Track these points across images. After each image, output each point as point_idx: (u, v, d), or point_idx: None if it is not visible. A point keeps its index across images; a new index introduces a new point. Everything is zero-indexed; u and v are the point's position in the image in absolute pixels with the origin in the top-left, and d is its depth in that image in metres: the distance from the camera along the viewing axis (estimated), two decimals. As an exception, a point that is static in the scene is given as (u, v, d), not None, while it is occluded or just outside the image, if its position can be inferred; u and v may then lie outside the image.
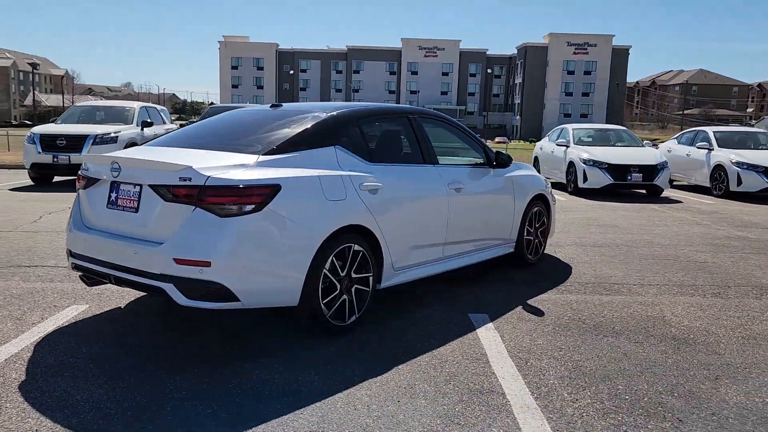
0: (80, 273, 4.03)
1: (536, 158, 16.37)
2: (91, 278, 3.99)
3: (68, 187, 12.17)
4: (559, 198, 12.40)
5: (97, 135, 12.49)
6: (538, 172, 15.57)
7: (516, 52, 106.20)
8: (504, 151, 5.67)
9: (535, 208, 6.10)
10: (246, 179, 3.52)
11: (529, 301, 4.91)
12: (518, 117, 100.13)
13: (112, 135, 12.71)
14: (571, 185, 13.45)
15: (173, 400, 3.07)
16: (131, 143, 12.78)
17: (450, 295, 5.02)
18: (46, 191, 11.60)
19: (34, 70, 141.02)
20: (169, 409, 2.97)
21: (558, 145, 14.46)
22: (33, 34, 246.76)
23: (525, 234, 5.97)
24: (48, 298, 4.65)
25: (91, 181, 3.97)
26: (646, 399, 3.21)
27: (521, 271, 5.91)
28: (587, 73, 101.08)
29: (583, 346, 3.95)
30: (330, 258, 3.85)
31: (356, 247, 4.04)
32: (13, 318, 4.21)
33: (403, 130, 4.89)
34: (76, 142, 12.33)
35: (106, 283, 3.91)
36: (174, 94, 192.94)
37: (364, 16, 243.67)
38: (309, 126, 4.16)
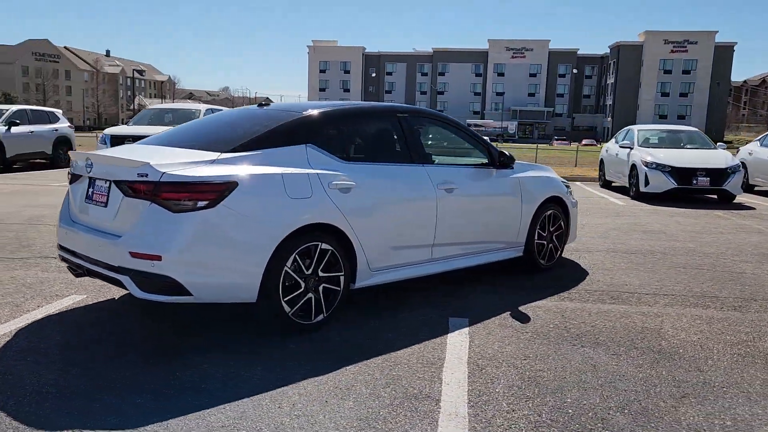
0: (67, 265, 4.25)
1: (602, 161, 15.73)
2: (76, 270, 4.19)
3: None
4: (617, 202, 11.88)
5: (160, 136, 13.17)
6: (603, 175, 15.21)
7: (609, 51, 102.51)
8: (507, 152, 5.49)
9: (549, 211, 5.86)
10: (200, 176, 3.59)
11: (521, 307, 4.73)
12: (609, 119, 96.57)
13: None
14: (633, 189, 12.82)
15: (113, 389, 3.17)
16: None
17: (438, 298, 4.92)
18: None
19: (140, 76, 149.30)
20: (104, 397, 3.07)
21: (622, 147, 13.82)
22: (140, 42, 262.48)
23: (536, 238, 5.75)
24: (54, 288, 4.93)
25: (75, 177, 4.18)
26: (590, 414, 3.02)
27: (530, 276, 5.70)
28: (686, 72, 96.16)
29: (552, 356, 3.76)
30: (293, 256, 3.86)
31: (324, 246, 4.03)
32: (12, 305, 4.49)
33: (391, 130, 4.83)
34: (141, 143, 13.03)
35: (86, 275, 4.09)
36: (267, 98, 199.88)
37: (451, 18, 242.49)
38: (279, 124, 4.19)
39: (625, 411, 3.05)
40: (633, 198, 12.71)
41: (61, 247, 4.20)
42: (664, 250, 7.19)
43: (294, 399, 3.11)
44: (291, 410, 2.98)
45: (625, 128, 15.26)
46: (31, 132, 16.37)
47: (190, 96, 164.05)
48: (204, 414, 2.92)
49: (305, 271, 3.96)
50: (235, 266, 3.68)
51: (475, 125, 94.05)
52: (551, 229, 5.93)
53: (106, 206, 3.80)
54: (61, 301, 4.61)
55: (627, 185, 13.27)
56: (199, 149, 3.93)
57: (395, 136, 4.82)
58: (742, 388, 3.37)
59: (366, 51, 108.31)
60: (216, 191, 3.59)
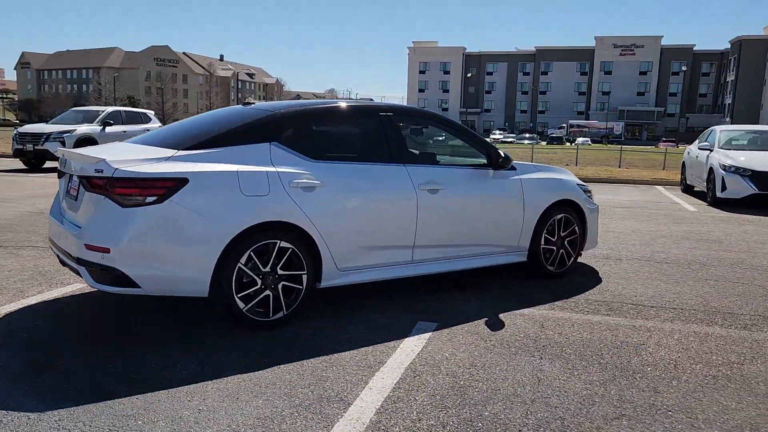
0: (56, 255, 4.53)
1: (683, 164, 14.73)
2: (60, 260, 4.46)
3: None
4: (688, 208, 11.13)
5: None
6: (685, 179, 14.20)
7: (729, 46, 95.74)
8: (504, 153, 5.26)
9: (559, 215, 5.57)
10: (151, 172, 3.72)
11: (503, 314, 4.53)
12: (728, 119, 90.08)
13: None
14: (710, 195, 11.91)
15: (48, 373, 3.35)
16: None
17: (418, 300, 4.81)
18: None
19: (250, 79, 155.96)
20: (36, 380, 3.25)
21: (701, 149, 12.87)
22: (252, 47, 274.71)
23: (542, 243, 5.48)
24: (63, 276, 5.27)
25: (61, 174, 4.45)
26: (499, 429, 2.85)
27: (533, 282, 5.45)
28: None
29: (502, 366, 3.58)
30: (247, 253, 3.92)
31: (283, 244, 4.05)
32: (14, 290, 4.84)
33: (370, 129, 4.77)
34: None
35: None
36: (371, 99, 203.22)
37: (554, 16, 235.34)
38: (244, 123, 4.26)
39: (541, 429, 2.86)
40: (709, 204, 11.82)
41: (50, 239, 4.48)
42: (708, 260, 6.63)
43: (209, 394, 3.15)
44: (198, 404, 3.03)
45: (709, 129, 14.20)
46: (124, 132, 17.51)
47: (297, 97, 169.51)
48: (115, 402, 3.02)
49: (262, 268, 4.00)
50: (184, 261, 3.77)
51: (578, 126, 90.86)
52: (562, 234, 5.64)
53: (76, 200, 4.02)
54: (63, 289, 4.92)
55: (705, 190, 12.36)
56: (162, 147, 4.07)
57: (375, 135, 4.75)
58: (692, 413, 3.06)
59: (466, 51, 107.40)
60: (164, 187, 3.71)
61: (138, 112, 19.27)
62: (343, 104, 4.84)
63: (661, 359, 3.76)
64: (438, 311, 4.58)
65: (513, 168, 5.36)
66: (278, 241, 4.04)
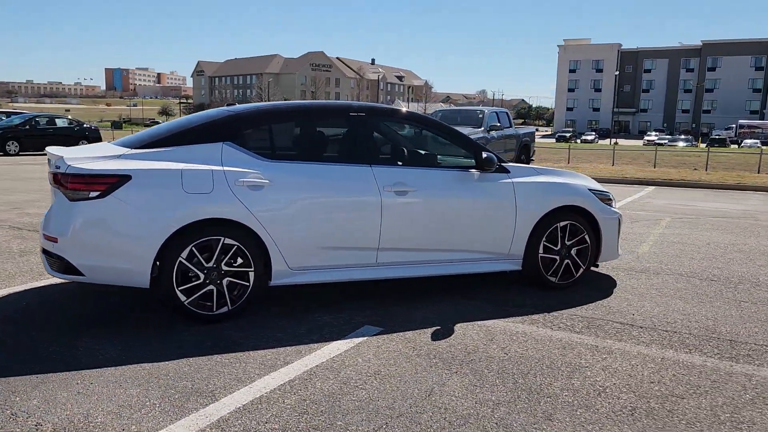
0: None
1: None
2: None
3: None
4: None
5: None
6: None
7: None
8: (489, 154, 4.95)
9: (563, 222, 5.16)
10: (96, 169, 4.00)
11: (460, 324, 4.31)
12: None
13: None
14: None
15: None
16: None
17: (381, 304, 4.70)
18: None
19: (399, 82, 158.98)
20: (-19, 353, 3.65)
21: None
22: (401, 50, 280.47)
23: (541, 251, 5.12)
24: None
25: None
26: (335, 440, 2.75)
27: (528, 293, 5.10)
28: None
29: (404, 377, 3.42)
30: (189, 248, 4.08)
31: (228, 241, 4.17)
32: (6, 275, 5.41)
33: (336, 129, 4.74)
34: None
35: None
36: (523, 100, 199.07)
37: (722, 7, 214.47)
38: (200, 123, 4.42)
39: (379, 445, 2.71)
40: (837, 216, 10.24)
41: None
42: (759, 279, 5.79)
43: (99, 379, 3.32)
44: (81, 388, 3.21)
45: None
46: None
47: (447, 99, 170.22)
48: (10, 379, 3.29)
49: (206, 263, 4.14)
50: (125, 253, 4.01)
51: (749, 127, 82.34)
52: (567, 243, 5.22)
53: (55, 194, 4.43)
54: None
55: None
56: (123, 146, 4.35)
57: (341, 136, 4.72)
58: (565, 446, 2.73)
59: (622, 48, 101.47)
60: (107, 183, 3.97)
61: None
62: (309, 105, 4.86)
63: (590, 385, 3.38)
64: (393, 316, 4.45)
65: (505, 170, 5.06)
66: (222, 238, 4.16)
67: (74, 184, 3.98)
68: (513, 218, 5.00)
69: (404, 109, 5.20)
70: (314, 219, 4.41)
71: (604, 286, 5.42)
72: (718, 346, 4.02)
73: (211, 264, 4.16)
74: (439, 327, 4.26)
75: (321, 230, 4.43)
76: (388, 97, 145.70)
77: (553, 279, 5.22)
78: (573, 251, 5.25)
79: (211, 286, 4.18)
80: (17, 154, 21.84)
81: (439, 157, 5.14)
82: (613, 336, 4.16)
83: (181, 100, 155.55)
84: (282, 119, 4.71)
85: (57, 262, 4.06)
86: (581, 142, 69.39)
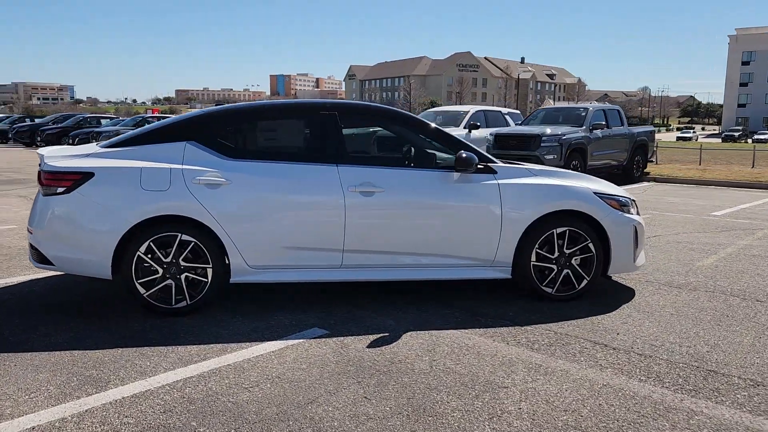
0: None
1: None
2: None
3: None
4: None
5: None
6: None
7: None
8: (468, 154, 4.59)
9: (561, 228, 4.72)
10: (63, 166, 4.30)
11: (411, 333, 4.10)
12: None
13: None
14: None
15: (-26, 327, 4.16)
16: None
17: (348, 305, 4.58)
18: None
19: (550, 80, 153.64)
20: (-41, 331, 4.08)
21: None
22: (553, 48, 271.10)
23: (533, 259, 4.72)
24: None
25: None
26: (172, 440, 2.74)
27: (518, 304, 4.72)
28: None
29: (298, 385, 3.31)
30: (146, 243, 4.26)
31: (185, 237, 4.30)
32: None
33: (304, 128, 4.69)
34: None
35: None
36: (692, 96, 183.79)
37: None
38: (168, 123, 4.59)
39: (208, 449, 2.66)
40: None
41: None
42: (828, 302, 4.89)
43: (22, 363, 3.55)
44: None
45: None
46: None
47: (604, 97, 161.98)
48: (-40, 355, 3.65)
49: (164, 258, 4.30)
50: (87, 245, 4.27)
51: None
52: (566, 252, 4.76)
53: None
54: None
55: None
56: (98, 145, 4.63)
57: (308, 135, 4.67)
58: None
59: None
60: (72, 179, 4.26)
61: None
62: (278, 104, 4.86)
63: (491, 407, 3.06)
64: (350, 320, 4.33)
65: (491, 171, 4.72)
66: (179, 234, 4.29)
67: (47, 181, 4.31)
68: (498, 223, 4.65)
69: (383, 107, 5.02)
70: (275, 218, 4.40)
71: (614, 301, 4.86)
72: (688, 376, 3.45)
73: (169, 259, 4.31)
74: (387, 334, 4.08)
75: (282, 230, 4.42)
76: (538, 97, 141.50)
77: (548, 290, 4.78)
78: (574, 260, 4.78)
79: (169, 281, 4.33)
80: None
81: (420, 156, 4.89)
82: (570, 356, 3.73)
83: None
84: (249, 119, 4.74)
85: (35, 253, 4.42)
86: (753, 141, 61.72)
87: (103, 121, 29.67)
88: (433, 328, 4.19)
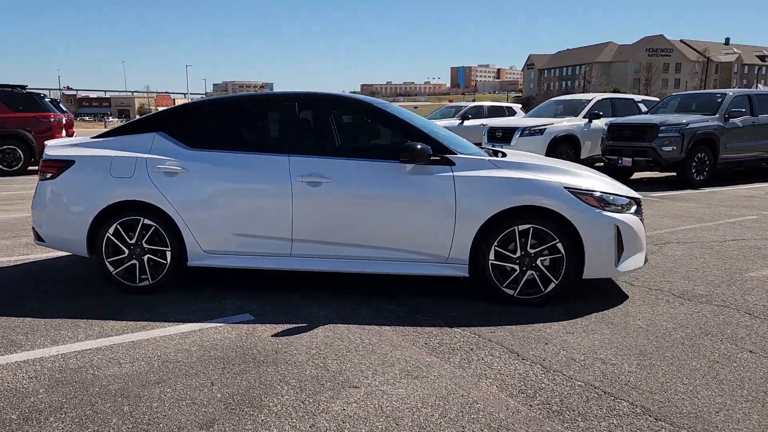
0: None
1: None
2: None
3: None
4: None
5: (525, 127, 13.50)
6: None
7: None
8: (420, 144, 4.34)
9: (524, 226, 4.34)
10: (53, 155, 4.84)
11: (326, 326, 4.04)
12: None
13: (540, 127, 13.40)
14: None
15: (-17, 292, 4.86)
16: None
17: (290, 296, 4.61)
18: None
19: (761, 62, 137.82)
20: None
21: None
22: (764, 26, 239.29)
23: (493, 258, 4.40)
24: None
25: None
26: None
27: (477, 304, 4.44)
28: None
29: (163, 363, 3.47)
30: (114, 225, 4.67)
31: (147, 221, 4.64)
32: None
33: (262, 119, 4.79)
34: (508, 134, 13.70)
35: None
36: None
37: None
38: (146, 116, 4.93)
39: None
40: None
41: None
42: None
43: (-14, 323, 4.13)
44: (-36, 328, 4.06)
45: None
46: (482, 125, 18.71)
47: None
48: (-56, 314, 4.31)
49: (128, 240, 4.68)
50: (68, 225, 4.77)
51: None
52: (531, 251, 4.37)
53: None
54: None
55: None
56: (98, 134, 5.12)
57: (266, 126, 4.75)
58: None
59: None
60: (57, 167, 4.78)
61: (503, 107, 20.03)
62: (241, 96, 5.00)
63: (315, 403, 2.96)
64: (286, 309, 4.37)
65: (448, 163, 4.46)
66: (142, 219, 4.65)
67: (41, 167, 4.89)
68: (451, 217, 4.39)
69: (344, 95, 4.94)
70: (226, 206, 4.58)
71: (585, 308, 4.37)
72: (569, 396, 3.04)
73: (133, 241, 4.68)
74: (304, 325, 4.08)
75: (233, 217, 4.58)
76: (744, 81, 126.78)
77: (510, 292, 4.42)
78: (541, 261, 4.37)
79: (134, 261, 4.70)
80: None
81: (377, 146, 4.76)
82: (464, 363, 3.46)
83: (511, 94, 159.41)
84: (213, 111, 4.94)
85: (34, 231, 5.03)
86: None
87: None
88: (355, 323, 4.10)
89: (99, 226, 4.70)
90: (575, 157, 13.58)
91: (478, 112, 19.34)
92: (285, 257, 4.63)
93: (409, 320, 4.15)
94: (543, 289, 4.40)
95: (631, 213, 4.49)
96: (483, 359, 3.50)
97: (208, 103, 5.04)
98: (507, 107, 20.08)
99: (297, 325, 4.05)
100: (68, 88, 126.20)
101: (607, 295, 4.69)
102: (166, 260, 4.68)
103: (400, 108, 5.46)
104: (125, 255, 4.70)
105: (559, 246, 4.33)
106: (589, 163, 13.67)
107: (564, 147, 13.48)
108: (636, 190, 10.97)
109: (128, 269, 4.71)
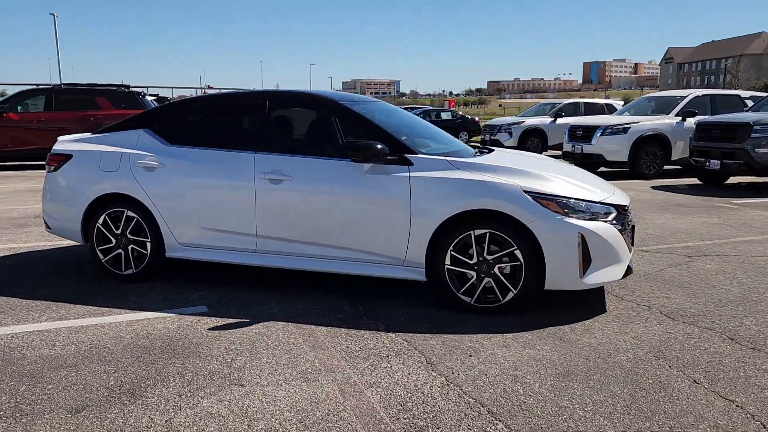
0: None
1: None
2: None
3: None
4: None
5: (606, 126, 12.73)
6: None
7: None
8: (374, 144, 4.21)
9: (480, 231, 4.11)
10: (57, 149, 5.23)
11: (265, 323, 4.05)
12: None
13: (623, 126, 12.58)
14: None
15: None
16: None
17: (255, 292, 4.67)
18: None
19: None
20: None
21: None
22: None
23: (449, 263, 4.21)
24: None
25: None
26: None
27: (423, 309, 4.28)
28: None
29: (89, 348, 3.66)
30: (102, 216, 4.98)
31: (130, 213, 4.91)
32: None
33: (235, 116, 4.88)
34: (589, 133, 12.98)
35: None
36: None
37: None
38: (138, 114, 5.18)
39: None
40: None
41: None
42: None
43: (-22, 301, 4.56)
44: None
45: None
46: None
47: None
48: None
49: (115, 230, 4.98)
50: (66, 215, 5.14)
51: None
52: (488, 258, 4.13)
53: None
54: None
55: None
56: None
57: (238, 123, 4.83)
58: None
59: None
60: (59, 160, 5.17)
61: (602, 104, 18.99)
62: (218, 95, 5.11)
63: (167, 397, 3.00)
64: (243, 304, 4.45)
65: (405, 162, 4.32)
66: (125, 210, 4.92)
67: (48, 161, 5.31)
68: (407, 219, 4.26)
69: (312, 93, 4.90)
70: (196, 200, 4.73)
71: (545, 319, 4.06)
72: (410, 410, 2.86)
73: (119, 232, 4.96)
74: (247, 320, 4.12)
75: (203, 212, 4.73)
76: None
77: (467, 299, 4.21)
78: (500, 269, 4.12)
79: (120, 250, 4.99)
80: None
81: (341, 145, 4.68)
82: (359, 369, 3.34)
83: (645, 90, 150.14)
84: (193, 109, 5.10)
85: (44, 220, 5.47)
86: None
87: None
88: (296, 321, 4.09)
89: (91, 216, 5.02)
90: (665, 159, 12.61)
91: (574, 110, 18.45)
92: (251, 253, 4.70)
93: (351, 322, 4.08)
94: (501, 298, 4.15)
95: (606, 221, 4.11)
96: (390, 367, 3.36)
97: (188, 101, 5.24)
98: (606, 104, 18.98)
99: (240, 320, 4.11)
100: (209, 87, 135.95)
101: (583, 307, 4.33)
102: (146, 251, 4.91)
103: (386, 105, 5.40)
104: (113, 244, 4.99)
105: (518, 253, 4.06)
106: (682, 165, 12.64)
107: (651, 147, 12.55)
108: (724, 195, 10.01)
109: (115, 258, 5.00)
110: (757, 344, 3.68)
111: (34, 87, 19.36)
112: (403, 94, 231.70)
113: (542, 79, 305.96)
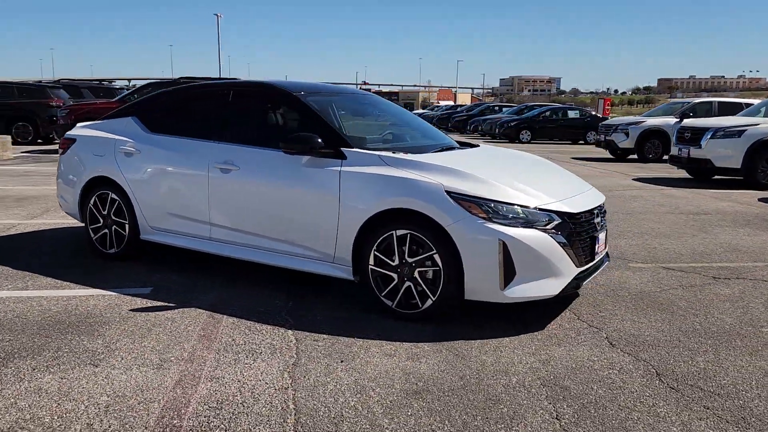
0: None
1: None
2: None
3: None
4: None
5: (719, 128, 11.34)
6: None
7: None
8: (303, 134, 4.05)
9: (401, 231, 3.85)
10: (68, 133, 5.66)
11: (186, 310, 4.10)
12: None
13: (738, 128, 11.15)
14: None
15: None
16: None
17: (212, 277, 4.73)
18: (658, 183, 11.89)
19: None
20: None
21: None
22: None
23: (372, 263, 3.99)
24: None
25: None
26: None
27: (360, 313, 4.10)
28: None
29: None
30: (94, 197, 5.33)
31: (113, 196, 5.22)
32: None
33: (207, 106, 4.95)
34: (698, 135, 11.66)
35: None
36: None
37: None
38: (132, 102, 5.45)
39: None
40: None
41: None
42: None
43: (-23, 267, 5.08)
44: (-41, 268, 5.06)
45: None
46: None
47: None
48: (-33, 257, 5.41)
49: (102, 211, 5.31)
50: (69, 196, 5.56)
51: None
52: (409, 261, 3.86)
53: None
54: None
55: None
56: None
57: (206, 113, 4.90)
58: None
59: None
60: (66, 144, 5.60)
61: (734, 102, 16.93)
62: (196, 85, 5.19)
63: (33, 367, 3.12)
64: (190, 289, 4.53)
65: (341, 156, 4.15)
66: (110, 193, 5.23)
67: (60, 144, 5.77)
68: (335, 215, 4.09)
69: (268, 83, 4.81)
70: (161, 186, 4.91)
71: (469, 332, 3.71)
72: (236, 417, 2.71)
73: (105, 212, 5.28)
74: (173, 305, 4.20)
75: (165, 197, 4.90)
76: None
77: (388, 302, 3.97)
78: (421, 273, 3.84)
79: (105, 230, 5.31)
80: (529, 142, 24.61)
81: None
82: (217, 357, 3.27)
83: None
84: (174, 98, 5.25)
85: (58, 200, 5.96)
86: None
87: (504, 109, 31.73)
88: (217, 311, 4.09)
89: (85, 196, 5.39)
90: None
91: (707, 110, 16.64)
92: (206, 240, 4.78)
93: (266, 316, 4.00)
94: (420, 305, 3.85)
95: (544, 230, 3.66)
96: (250, 364, 3.25)
97: (168, 91, 5.40)
98: (746, 104, 16.86)
99: (166, 304, 4.19)
100: (365, 83, 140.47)
101: (517, 323, 3.89)
102: (125, 231, 5.18)
103: (372, 98, 5.29)
104: (101, 224, 5.32)
105: (437, 258, 3.74)
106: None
107: (771, 153, 10.97)
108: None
109: (102, 237, 5.33)
110: (683, 383, 3.09)
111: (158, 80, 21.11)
112: (563, 92, 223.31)
113: (723, 76, 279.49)
